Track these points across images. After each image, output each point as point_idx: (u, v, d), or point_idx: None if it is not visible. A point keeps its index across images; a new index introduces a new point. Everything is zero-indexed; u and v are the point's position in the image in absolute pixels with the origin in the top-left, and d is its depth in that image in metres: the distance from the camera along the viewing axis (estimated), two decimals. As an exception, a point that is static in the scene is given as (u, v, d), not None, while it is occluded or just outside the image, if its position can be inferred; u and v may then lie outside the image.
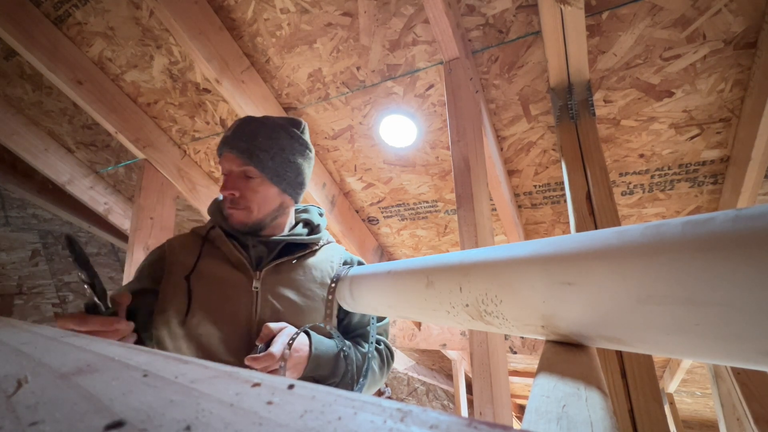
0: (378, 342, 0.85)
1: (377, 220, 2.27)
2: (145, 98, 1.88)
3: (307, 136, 0.84)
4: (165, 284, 0.74)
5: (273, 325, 0.69)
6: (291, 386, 0.17)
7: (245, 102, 1.57)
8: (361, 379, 0.75)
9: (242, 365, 0.64)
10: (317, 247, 0.85)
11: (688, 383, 3.34)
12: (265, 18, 1.42)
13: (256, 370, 0.62)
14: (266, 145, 0.75)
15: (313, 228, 0.87)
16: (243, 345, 0.70)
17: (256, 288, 0.74)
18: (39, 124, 2.16)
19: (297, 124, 0.82)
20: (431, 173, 1.88)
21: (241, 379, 0.19)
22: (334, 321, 0.80)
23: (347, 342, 0.78)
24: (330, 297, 0.78)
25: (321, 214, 0.93)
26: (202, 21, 1.40)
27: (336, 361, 0.74)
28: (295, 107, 1.73)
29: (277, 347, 0.65)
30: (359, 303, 0.71)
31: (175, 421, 0.14)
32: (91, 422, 0.14)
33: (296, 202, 0.85)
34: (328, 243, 0.89)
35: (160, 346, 0.74)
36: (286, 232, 0.83)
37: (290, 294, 0.76)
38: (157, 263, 0.78)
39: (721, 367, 1.84)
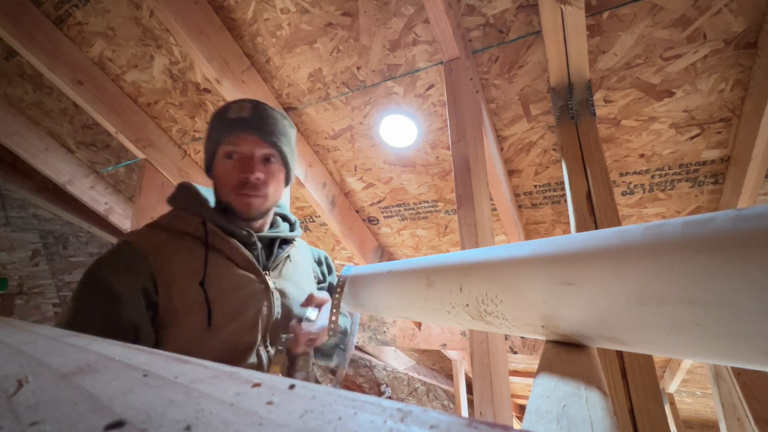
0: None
1: (377, 220, 2.27)
2: (145, 98, 1.88)
3: None
4: (170, 295, 0.62)
5: (318, 294, 0.75)
6: (291, 386, 0.17)
7: (245, 102, 1.57)
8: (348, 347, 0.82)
9: (260, 369, 0.67)
10: (296, 243, 0.86)
11: (689, 383, 3.34)
12: (265, 18, 1.42)
13: (300, 337, 0.69)
14: (284, 131, 0.74)
15: (291, 223, 0.87)
16: (263, 346, 0.70)
17: (273, 288, 0.73)
18: (39, 124, 2.16)
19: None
20: (431, 173, 1.88)
21: (241, 379, 0.19)
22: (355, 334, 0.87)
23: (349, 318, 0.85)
24: (334, 310, 0.74)
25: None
26: (202, 21, 1.40)
27: (343, 337, 0.82)
28: (295, 107, 1.73)
29: (323, 321, 0.73)
30: (359, 303, 0.71)
31: (176, 421, 0.14)
32: (92, 422, 0.14)
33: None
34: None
35: None
36: (267, 226, 0.80)
37: (292, 289, 0.77)
38: (143, 271, 0.62)
39: (721, 367, 1.84)
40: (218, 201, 0.75)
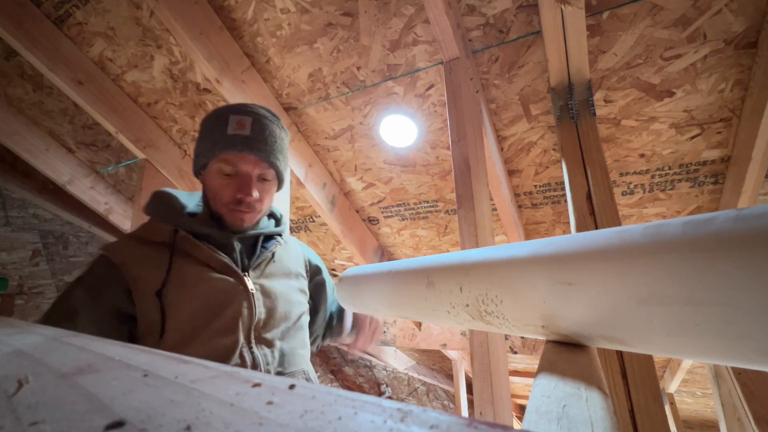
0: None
1: (377, 220, 2.27)
2: (145, 98, 1.88)
3: None
4: (142, 306, 0.64)
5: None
6: (291, 386, 0.17)
7: (246, 102, 1.57)
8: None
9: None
10: (283, 239, 0.84)
11: (689, 383, 3.34)
12: (265, 18, 1.42)
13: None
14: (281, 147, 0.74)
15: (277, 219, 0.86)
16: (246, 347, 0.68)
17: (253, 290, 0.71)
18: (40, 124, 2.16)
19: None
20: (431, 173, 1.88)
21: (241, 379, 0.19)
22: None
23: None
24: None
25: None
26: (202, 21, 1.40)
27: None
28: (295, 107, 1.73)
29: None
30: (359, 303, 0.71)
31: (176, 421, 0.14)
32: (92, 422, 0.14)
33: None
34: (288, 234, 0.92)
35: None
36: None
37: (276, 287, 0.75)
38: (115, 285, 0.64)
39: (721, 367, 1.84)
40: (208, 207, 0.74)
